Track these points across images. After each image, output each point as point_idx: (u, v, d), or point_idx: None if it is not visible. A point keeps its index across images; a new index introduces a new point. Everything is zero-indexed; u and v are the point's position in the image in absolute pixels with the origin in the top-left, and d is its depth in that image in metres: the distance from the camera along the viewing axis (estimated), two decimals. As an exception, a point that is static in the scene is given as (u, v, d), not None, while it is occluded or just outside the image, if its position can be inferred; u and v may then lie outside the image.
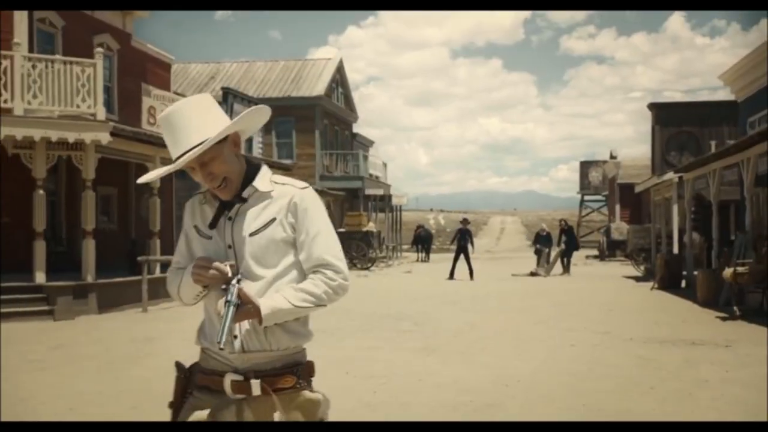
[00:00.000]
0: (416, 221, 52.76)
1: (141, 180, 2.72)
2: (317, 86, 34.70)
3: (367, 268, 30.10)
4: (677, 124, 33.88)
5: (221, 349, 2.32)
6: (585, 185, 59.76)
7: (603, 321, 12.86)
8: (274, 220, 2.49)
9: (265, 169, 2.57)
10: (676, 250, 22.15)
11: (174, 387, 2.57)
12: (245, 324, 2.43)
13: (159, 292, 14.80)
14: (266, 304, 2.39)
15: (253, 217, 2.50)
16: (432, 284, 22.09)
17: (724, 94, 25.52)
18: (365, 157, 35.98)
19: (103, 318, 13.53)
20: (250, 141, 28.55)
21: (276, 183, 2.54)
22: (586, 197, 61.36)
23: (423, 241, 39.52)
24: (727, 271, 13.30)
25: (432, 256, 39.55)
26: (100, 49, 14.45)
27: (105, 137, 13.45)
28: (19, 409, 6.44)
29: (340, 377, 8.06)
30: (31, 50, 15.45)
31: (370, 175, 36.21)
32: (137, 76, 20.14)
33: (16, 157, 13.71)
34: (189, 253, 2.62)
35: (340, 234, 30.74)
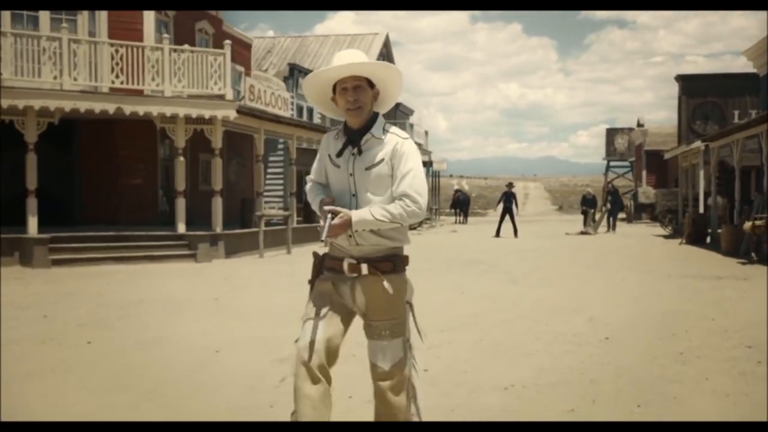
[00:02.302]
0: (443, 187, 55.44)
1: (311, 76, 3.56)
2: (367, 60, 37.36)
3: (415, 228, 32.94)
4: (702, 95, 36.25)
5: (323, 242, 3.33)
6: (611, 151, 61.63)
7: (643, 265, 15.70)
8: (383, 160, 3.40)
9: (380, 119, 3.50)
10: (701, 210, 24.87)
11: (312, 269, 3.59)
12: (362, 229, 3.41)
13: (267, 241, 17.88)
14: (356, 214, 3.35)
15: (369, 156, 3.42)
16: (482, 241, 24.83)
17: (745, 62, 27.83)
18: (411, 126, 38.73)
19: (232, 261, 16.55)
20: (311, 110, 31.43)
21: (386, 131, 3.46)
22: (612, 163, 63.18)
23: (461, 205, 42.22)
24: (747, 224, 16.13)
25: (468, 219, 42.36)
26: (228, 41, 17.34)
27: (232, 114, 16.41)
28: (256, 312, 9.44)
29: (457, 295, 11.00)
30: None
31: (415, 143, 38.98)
32: (227, 56, 23.01)
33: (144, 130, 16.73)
34: (323, 172, 3.59)
35: (390, 197, 33.71)
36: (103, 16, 18.00)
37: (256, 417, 4.60)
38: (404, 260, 3.52)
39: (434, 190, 41.86)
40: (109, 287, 11.74)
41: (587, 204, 30.15)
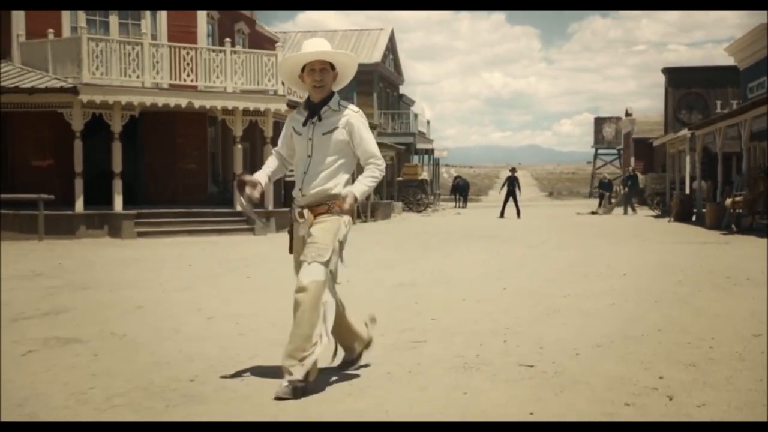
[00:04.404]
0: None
1: (287, 58, 4.48)
2: (374, 54, 39.89)
3: (420, 212, 35.52)
4: (687, 86, 39.02)
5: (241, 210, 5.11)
6: (599, 140, 64.36)
7: (639, 236, 18.28)
8: (337, 128, 4.29)
9: (336, 96, 4.39)
10: (687, 192, 27.54)
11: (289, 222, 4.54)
12: (309, 181, 4.29)
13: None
14: (356, 190, 4.24)
15: (326, 125, 4.30)
16: (489, 221, 27.21)
17: (727, 53, 30.47)
18: (415, 116, 41.27)
19: (284, 234, 18.96)
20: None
21: (341, 105, 4.35)
22: (600, 151, 65.85)
23: (461, 190, 44.79)
24: (728, 200, 18.81)
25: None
26: (279, 43, 19.80)
27: (283, 107, 18.89)
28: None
29: (493, 256, 13.50)
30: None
31: (419, 132, 41.56)
32: (259, 53, 25.45)
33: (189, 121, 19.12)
34: (285, 143, 4.52)
35: (398, 182, 36.39)
36: (163, 20, 20.38)
37: (406, 309, 7.10)
38: (338, 205, 4.27)
39: (435, 176, 44.43)
40: (205, 251, 14.19)
41: (604, 187, 33.30)
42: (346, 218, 4.33)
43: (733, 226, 18.57)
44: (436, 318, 6.62)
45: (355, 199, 4.22)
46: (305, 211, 4.31)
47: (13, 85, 17.09)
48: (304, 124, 4.35)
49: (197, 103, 17.95)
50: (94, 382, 4.37)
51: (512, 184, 30.05)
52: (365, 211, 25.79)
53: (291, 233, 4.47)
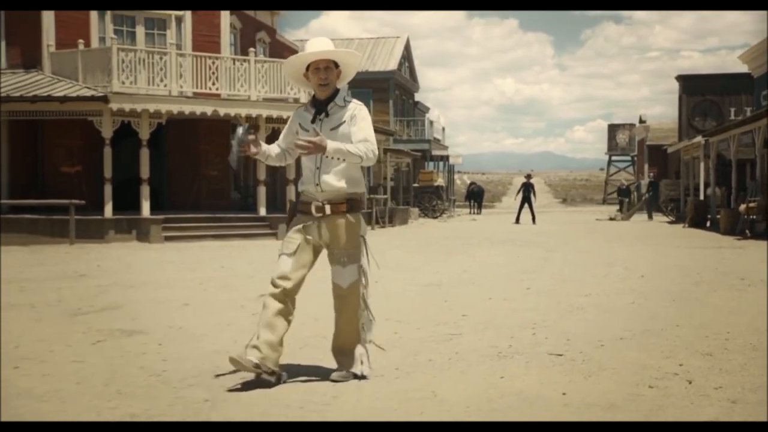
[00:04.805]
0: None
1: (292, 57, 4.64)
2: (390, 62, 40.42)
3: (436, 218, 35.91)
4: (701, 94, 39.26)
5: (233, 167, 4.47)
6: (612, 146, 64.56)
7: (655, 241, 18.67)
8: (344, 122, 4.44)
9: (342, 91, 4.56)
10: (702, 198, 27.83)
11: (287, 212, 4.66)
12: (325, 176, 4.40)
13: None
14: (331, 143, 4.27)
15: (334, 120, 4.45)
16: (505, 227, 27.52)
17: (741, 61, 30.84)
18: (431, 123, 41.74)
19: (306, 240, 19.45)
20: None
21: (346, 101, 4.50)
22: (613, 157, 66.04)
23: (476, 196, 45.14)
24: (742, 206, 19.16)
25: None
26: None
27: (305, 114, 19.35)
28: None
29: (514, 258, 13.90)
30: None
31: (434, 138, 42.02)
32: (279, 62, 25.97)
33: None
34: (286, 138, 4.60)
35: (414, 188, 36.82)
36: (187, 30, 20.92)
37: (437, 306, 7.52)
38: (359, 204, 4.55)
39: (450, 182, 44.83)
40: (233, 254, 14.65)
41: (623, 194, 33.83)
42: (362, 218, 4.58)
43: (747, 231, 18.90)
44: (467, 314, 7.04)
45: (324, 146, 4.26)
46: (327, 207, 4.42)
47: (45, 94, 17.67)
48: (313, 121, 4.47)
49: (222, 111, 18.46)
50: (166, 366, 4.83)
51: (527, 190, 30.40)
52: (383, 216, 26.24)
53: (291, 218, 4.57)
